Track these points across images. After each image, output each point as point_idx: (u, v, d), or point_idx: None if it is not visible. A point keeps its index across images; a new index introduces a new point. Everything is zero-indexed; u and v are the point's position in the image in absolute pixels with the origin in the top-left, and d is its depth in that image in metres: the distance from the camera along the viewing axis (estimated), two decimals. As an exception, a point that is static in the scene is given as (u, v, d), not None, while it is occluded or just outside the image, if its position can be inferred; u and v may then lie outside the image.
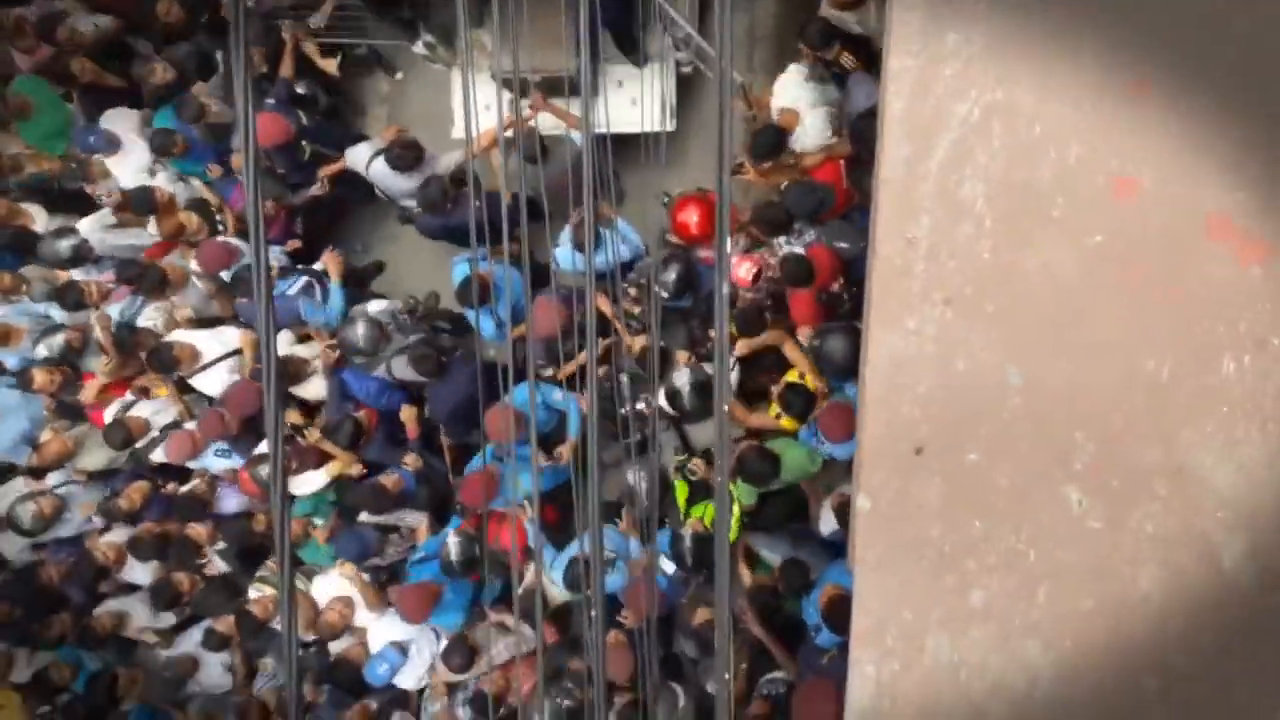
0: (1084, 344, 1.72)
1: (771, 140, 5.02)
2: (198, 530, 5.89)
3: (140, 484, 5.88)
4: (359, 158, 5.74)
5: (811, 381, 5.04)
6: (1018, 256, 1.78)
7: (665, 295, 5.22)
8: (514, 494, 5.08)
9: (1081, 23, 1.70)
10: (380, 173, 5.73)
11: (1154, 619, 1.57)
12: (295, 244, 5.98)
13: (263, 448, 5.69)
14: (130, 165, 6.03)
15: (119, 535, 6.00)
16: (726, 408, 2.06)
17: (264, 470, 5.49)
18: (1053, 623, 1.73)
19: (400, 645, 5.47)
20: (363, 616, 5.38)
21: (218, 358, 5.80)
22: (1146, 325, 1.64)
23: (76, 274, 6.07)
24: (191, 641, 5.96)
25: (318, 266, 5.94)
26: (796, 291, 5.17)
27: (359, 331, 5.48)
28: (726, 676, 2.09)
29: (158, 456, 6.02)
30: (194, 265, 5.99)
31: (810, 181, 5.11)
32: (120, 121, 6.03)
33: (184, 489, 5.82)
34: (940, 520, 1.83)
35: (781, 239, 5.38)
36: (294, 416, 5.86)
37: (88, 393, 6.01)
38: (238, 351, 5.87)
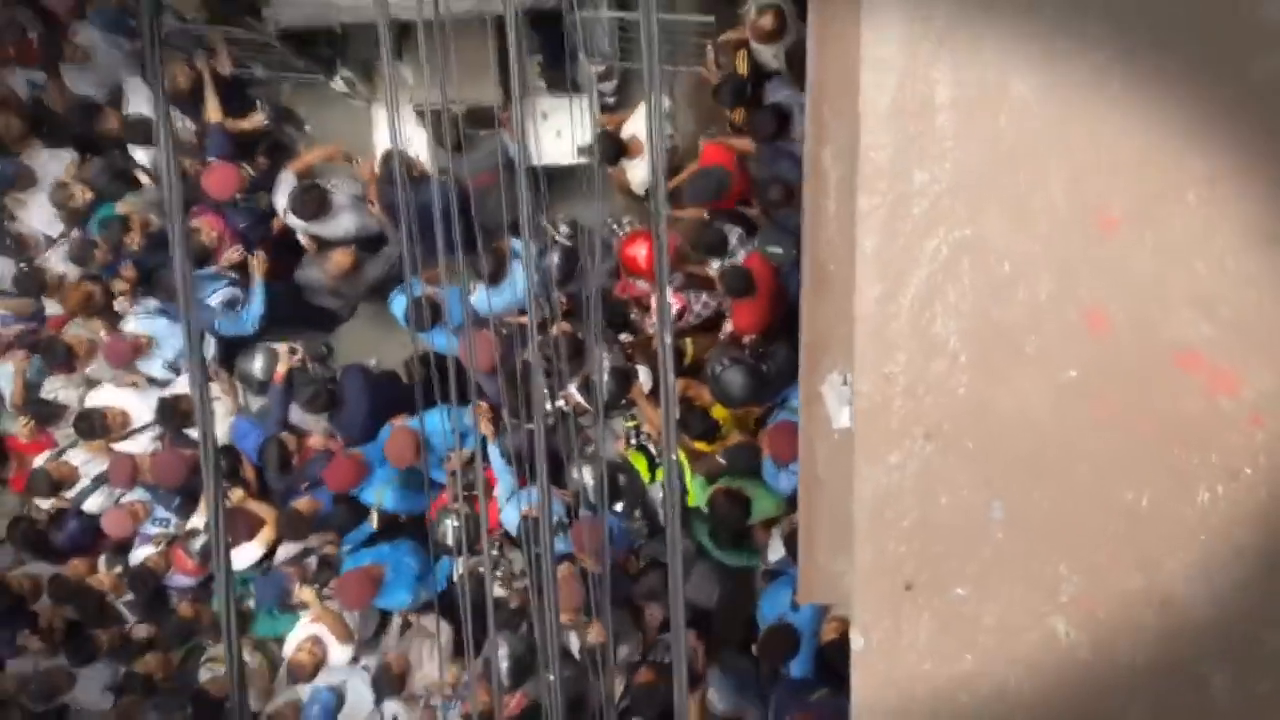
0: (1062, 477, 1.73)
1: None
2: (99, 579, 5.69)
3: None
4: (280, 209, 5.54)
5: (720, 413, 5.12)
6: (992, 392, 1.78)
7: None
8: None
9: (1048, 155, 1.70)
10: (301, 227, 5.55)
11: (1146, 750, 1.59)
12: (235, 255, 5.66)
13: (194, 521, 5.53)
14: (45, 210, 5.74)
15: (38, 568, 5.79)
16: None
17: (197, 545, 5.34)
18: (1047, 754, 1.75)
19: (332, 687, 5.36)
20: (336, 654, 5.21)
21: (144, 425, 5.59)
22: (1123, 457, 1.65)
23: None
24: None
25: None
26: (739, 303, 5.22)
27: (256, 364, 5.34)
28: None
29: (90, 506, 5.79)
30: (102, 334, 5.76)
31: (704, 169, 5.18)
32: (49, 167, 5.74)
33: (137, 560, 5.63)
34: (932, 656, 1.83)
35: (717, 262, 5.42)
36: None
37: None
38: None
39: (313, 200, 5.32)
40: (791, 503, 5.20)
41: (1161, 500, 1.61)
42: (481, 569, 4.78)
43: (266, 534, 5.46)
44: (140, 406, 5.63)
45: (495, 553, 5.19)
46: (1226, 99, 1.52)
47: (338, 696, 5.27)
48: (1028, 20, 1.67)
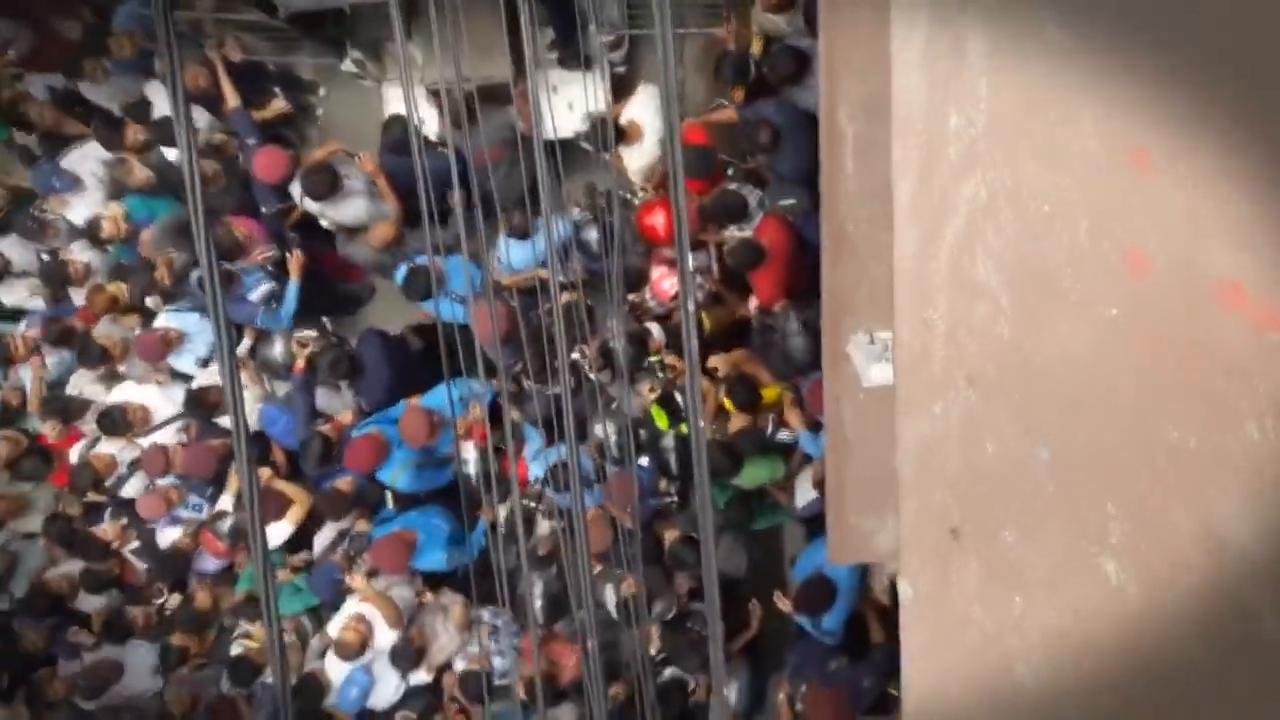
0: (1107, 418, 1.70)
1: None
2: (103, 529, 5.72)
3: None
4: (297, 196, 5.54)
5: (766, 382, 5.10)
6: (1035, 335, 1.76)
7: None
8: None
9: (1079, 92, 1.66)
10: (311, 206, 5.55)
11: (1202, 685, 1.58)
12: (266, 254, 5.69)
13: (223, 502, 5.57)
14: (86, 204, 5.75)
15: (71, 567, 5.86)
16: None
17: (225, 526, 5.38)
18: (1097, 695, 1.74)
19: (366, 668, 5.41)
20: (382, 635, 5.25)
21: (168, 419, 5.62)
22: (1168, 396, 1.63)
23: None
24: (120, 647, 5.81)
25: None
26: (757, 274, 5.20)
27: (277, 349, 5.38)
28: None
29: (128, 492, 5.84)
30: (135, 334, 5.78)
31: (694, 148, 5.15)
32: (82, 163, 5.74)
33: (166, 542, 5.68)
34: (980, 602, 1.82)
35: (733, 228, 5.40)
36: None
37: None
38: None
39: (323, 180, 5.34)
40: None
41: (1208, 438, 1.59)
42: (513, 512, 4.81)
43: (295, 512, 5.51)
44: (161, 402, 5.68)
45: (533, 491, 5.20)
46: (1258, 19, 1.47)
47: (371, 678, 5.32)
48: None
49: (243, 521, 5.33)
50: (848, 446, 4.03)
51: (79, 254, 5.82)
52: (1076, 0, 1.64)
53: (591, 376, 5.14)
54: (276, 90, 5.84)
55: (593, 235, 5.17)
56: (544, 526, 5.30)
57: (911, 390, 1.82)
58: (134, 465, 5.81)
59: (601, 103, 5.35)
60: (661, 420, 5.43)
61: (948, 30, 1.71)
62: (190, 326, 5.72)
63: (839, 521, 4.08)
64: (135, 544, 5.89)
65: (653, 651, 5.02)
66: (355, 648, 5.11)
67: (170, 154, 5.56)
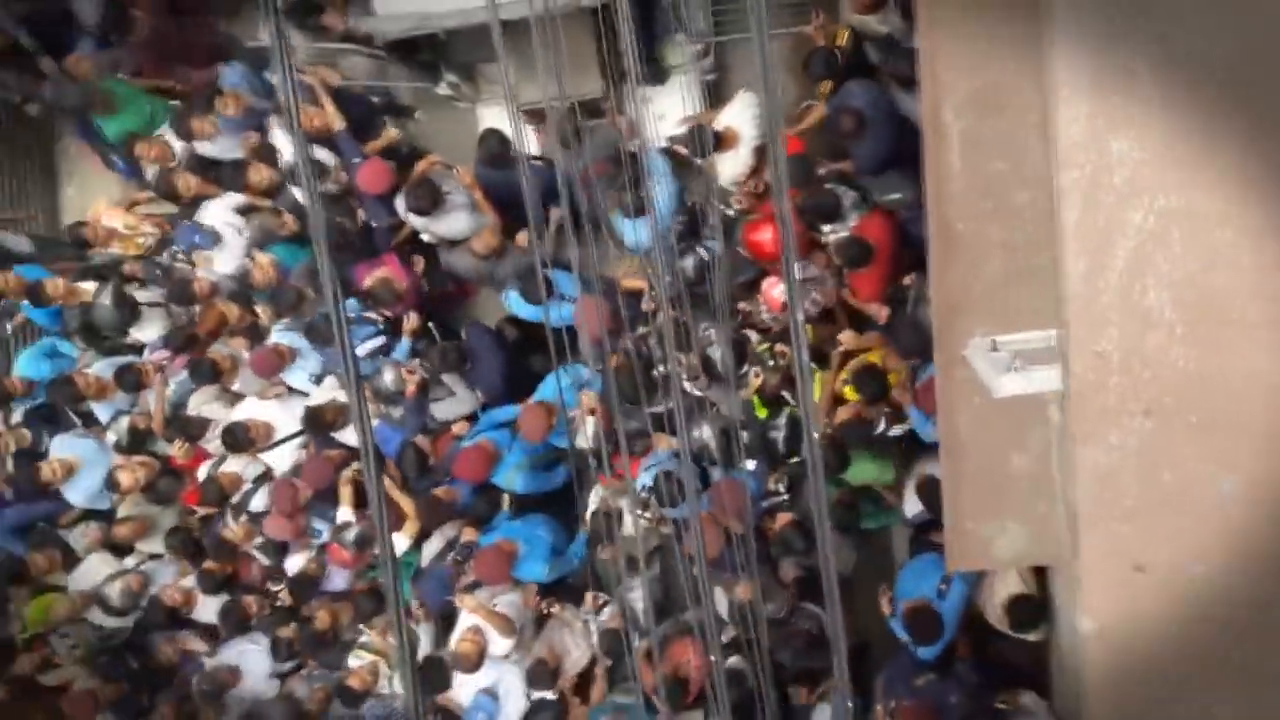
0: (1297, 445, 1.65)
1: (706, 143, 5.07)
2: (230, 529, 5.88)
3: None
4: (401, 212, 5.64)
5: (894, 367, 5.00)
6: (1218, 363, 1.70)
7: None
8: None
9: (1257, 115, 1.60)
10: (416, 222, 5.64)
11: None
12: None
13: (343, 514, 5.70)
14: (229, 256, 5.95)
15: (187, 580, 6.03)
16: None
17: (350, 536, 5.51)
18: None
19: (489, 691, 5.46)
20: (497, 645, 5.32)
21: (289, 435, 5.77)
22: (1363, 422, 1.56)
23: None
24: (235, 651, 5.95)
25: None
26: (857, 275, 5.12)
27: (388, 379, 5.48)
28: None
29: (255, 506, 6.01)
30: (244, 354, 5.95)
31: (790, 158, 5.08)
32: (215, 215, 5.95)
33: (295, 569, 5.84)
34: (1166, 637, 1.77)
35: (827, 228, 5.33)
36: (349, 472, 5.75)
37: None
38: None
39: (425, 194, 5.40)
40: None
41: None
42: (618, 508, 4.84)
43: (410, 527, 5.60)
44: (283, 418, 5.81)
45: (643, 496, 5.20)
46: None
47: (495, 699, 5.39)
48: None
49: (367, 530, 5.45)
50: (963, 450, 3.95)
51: (204, 274, 6.01)
52: (1249, 20, 1.58)
53: (689, 389, 5.14)
54: (385, 119, 5.95)
55: (689, 263, 5.14)
56: (631, 527, 5.29)
57: (1086, 421, 1.77)
58: (259, 480, 5.97)
59: (695, 110, 5.33)
60: (761, 411, 5.41)
61: (1113, 59, 1.66)
62: (301, 343, 5.88)
63: (957, 527, 4.01)
64: (259, 540, 6.03)
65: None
66: (474, 659, 5.18)
67: (297, 193, 5.73)
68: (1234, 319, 1.67)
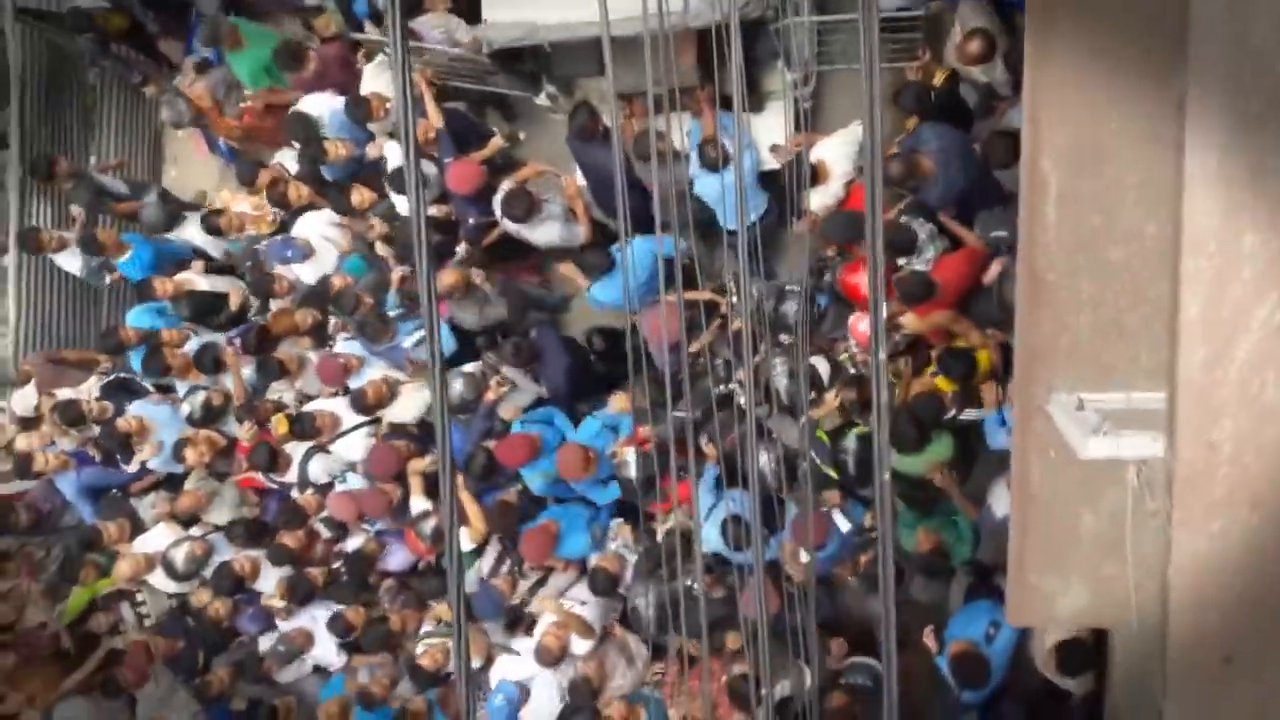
0: None
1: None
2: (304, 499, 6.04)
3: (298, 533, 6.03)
4: (497, 214, 5.76)
5: (978, 343, 4.95)
6: (1331, 464, 1.69)
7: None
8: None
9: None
10: (512, 228, 5.75)
11: None
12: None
13: (418, 504, 5.82)
14: (318, 267, 6.15)
15: (253, 551, 6.18)
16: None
17: (428, 527, 5.64)
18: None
19: (519, 683, 5.55)
20: (577, 644, 5.44)
21: (356, 424, 5.93)
22: None
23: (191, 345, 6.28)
24: (308, 616, 6.12)
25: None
26: (924, 306, 5.08)
27: (457, 389, 5.59)
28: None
29: (314, 472, 6.15)
30: (311, 356, 6.12)
31: (848, 213, 5.16)
32: (311, 226, 6.14)
33: (353, 547, 5.99)
34: (1256, 729, 1.76)
35: (902, 260, 5.31)
36: (421, 465, 5.87)
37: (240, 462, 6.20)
38: (376, 420, 5.93)
39: (520, 204, 5.55)
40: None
41: None
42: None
43: (474, 532, 5.71)
44: (349, 411, 5.98)
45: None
46: None
47: (522, 692, 5.48)
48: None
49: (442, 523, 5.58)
50: (1034, 503, 3.91)
51: (287, 272, 6.21)
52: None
53: (743, 405, 5.14)
54: (494, 130, 6.07)
55: (791, 308, 5.16)
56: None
57: (1190, 508, 1.77)
58: (310, 452, 6.09)
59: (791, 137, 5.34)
60: (824, 438, 5.40)
61: (1245, 149, 1.66)
62: (365, 351, 6.07)
63: (1020, 580, 3.97)
64: (325, 513, 6.19)
65: None
66: (555, 653, 5.30)
67: (400, 205, 5.88)
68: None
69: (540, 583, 5.90)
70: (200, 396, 6.07)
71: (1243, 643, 1.78)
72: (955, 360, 4.93)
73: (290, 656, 6.08)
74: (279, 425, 5.95)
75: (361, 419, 6.00)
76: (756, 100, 5.66)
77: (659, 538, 5.12)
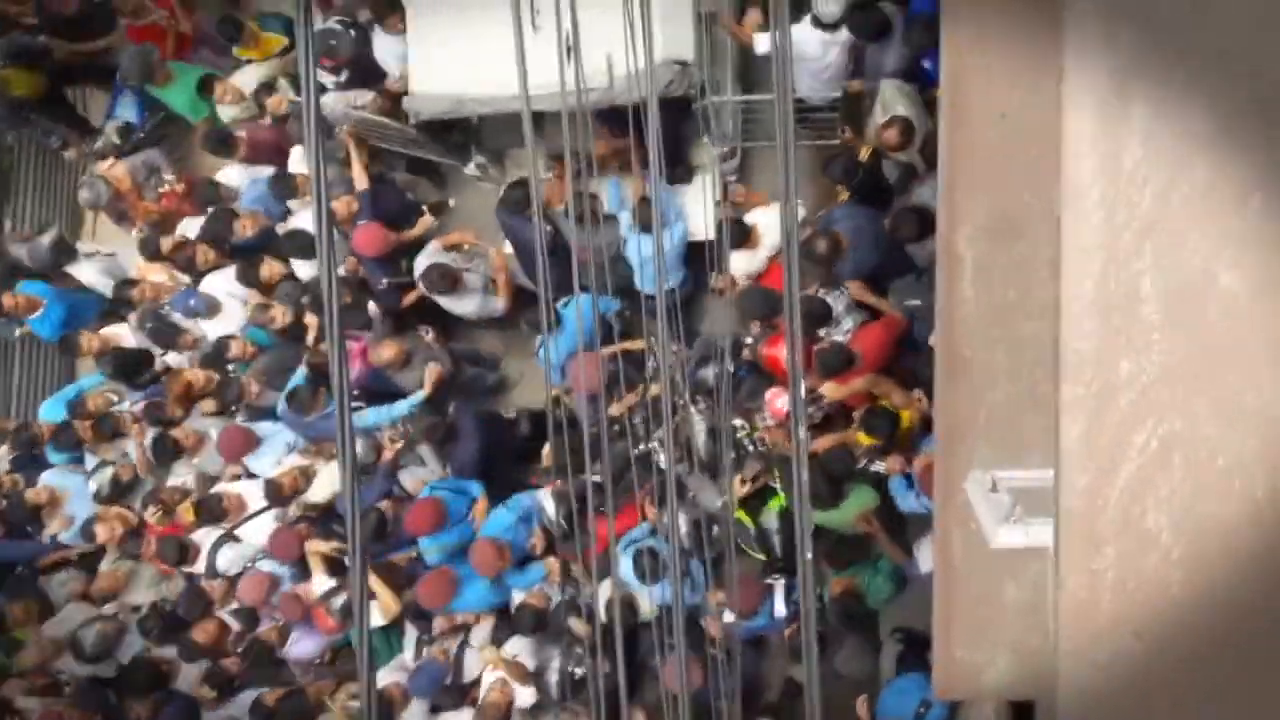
0: (1287, 683, 1.63)
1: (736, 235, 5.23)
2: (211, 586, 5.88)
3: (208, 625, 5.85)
4: (417, 275, 5.72)
5: (901, 404, 4.98)
6: (1209, 593, 1.70)
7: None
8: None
9: (1259, 351, 1.61)
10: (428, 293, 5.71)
11: None
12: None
13: (322, 582, 5.69)
14: (222, 325, 6.06)
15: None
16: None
17: (336, 603, 5.51)
18: None
19: None
20: (522, 695, 5.39)
21: (264, 508, 5.81)
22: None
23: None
24: (238, 706, 5.89)
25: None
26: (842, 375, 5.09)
27: (356, 451, 5.49)
28: None
29: (221, 564, 5.98)
30: (212, 432, 6.01)
31: (763, 289, 5.30)
32: (217, 285, 6.06)
33: (253, 633, 5.82)
34: None
35: (822, 331, 5.37)
36: (322, 546, 5.76)
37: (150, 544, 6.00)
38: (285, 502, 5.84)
39: (443, 280, 5.54)
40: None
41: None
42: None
43: (383, 609, 5.60)
44: (256, 492, 5.86)
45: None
46: None
47: None
48: (1237, 212, 1.60)
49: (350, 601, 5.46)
50: (957, 577, 3.93)
51: (193, 326, 6.10)
52: (1254, 252, 1.60)
53: (662, 465, 5.13)
54: (424, 209, 6.05)
55: (710, 372, 5.20)
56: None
57: (1076, 639, 1.77)
58: (220, 541, 5.93)
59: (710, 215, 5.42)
60: (745, 518, 5.38)
61: (1121, 275, 1.69)
62: (267, 431, 5.95)
63: (946, 654, 3.97)
64: (234, 605, 6.02)
65: None
66: (502, 708, 5.26)
67: (303, 271, 5.82)
68: (1226, 549, 1.67)
69: (463, 643, 5.78)
70: (108, 472, 5.91)
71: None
72: (878, 419, 4.95)
73: None
74: (185, 514, 5.80)
75: (264, 504, 5.87)
76: (684, 173, 5.72)
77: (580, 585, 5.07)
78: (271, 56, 6.17)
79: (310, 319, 5.92)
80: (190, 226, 6.23)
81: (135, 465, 6.11)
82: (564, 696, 5.10)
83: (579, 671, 5.15)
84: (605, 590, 4.67)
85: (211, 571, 5.89)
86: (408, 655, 5.74)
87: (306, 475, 5.70)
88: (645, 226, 5.20)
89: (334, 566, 5.62)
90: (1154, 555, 1.73)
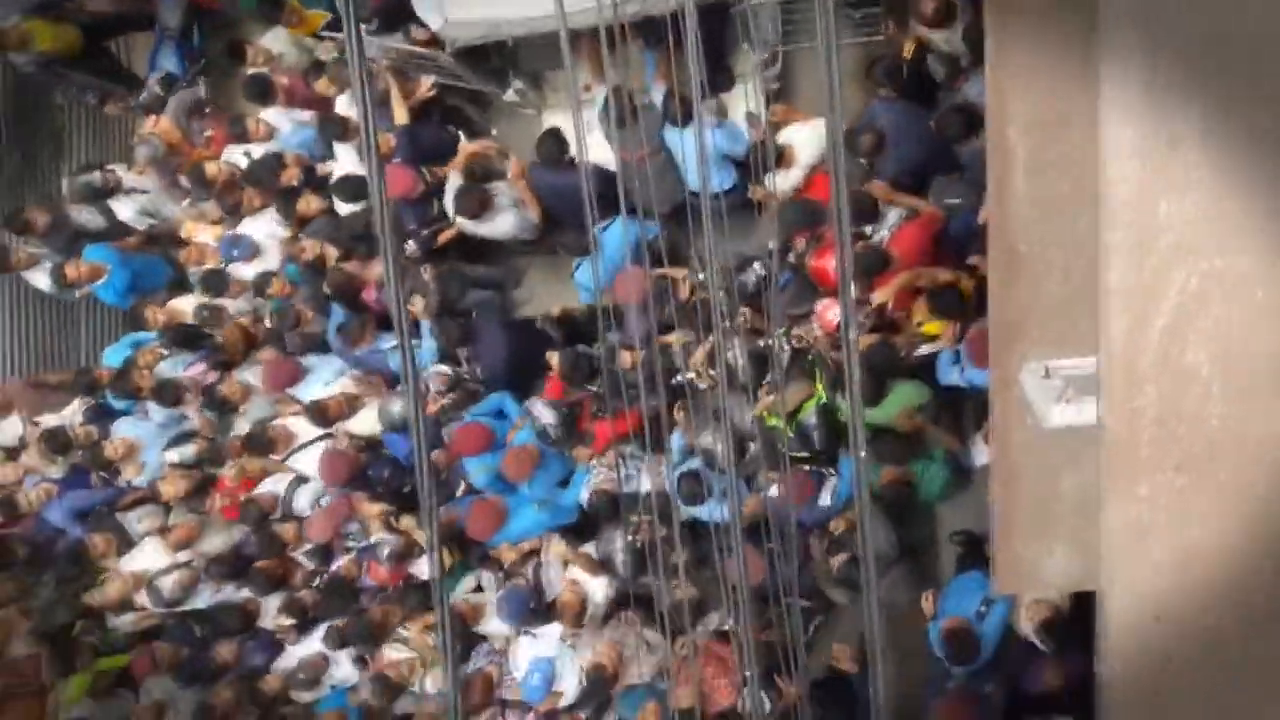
0: (1327, 507, 1.69)
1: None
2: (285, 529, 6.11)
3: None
4: (449, 210, 5.80)
5: (950, 279, 5.00)
6: (1248, 424, 1.75)
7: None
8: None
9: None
10: (467, 225, 5.79)
11: None
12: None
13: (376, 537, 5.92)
14: (263, 264, 6.22)
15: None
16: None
17: (383, 553, 5.74)
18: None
19: (550, 660, 5.65)
20: (595, 590, 5.53)
21: (314, 439, 5.99)
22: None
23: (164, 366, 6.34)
24: (317, 639, 6.18)
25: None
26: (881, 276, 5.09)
27: (395, 409, 5.65)
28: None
29: (300, 505, 6.23)
30: (253, 380, 6.18)
31: (802, 200, 5.23)
32: (259, 226, 6.20)
33: (331, 569, 6.06)
34: (1185, 686, 1.83)
35: (869, 228, 5.36)
36: (374, 509, 5.96)
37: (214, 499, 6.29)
38: (329, 435, 6.01)
39: (473, 200, 5.58)
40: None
41: None
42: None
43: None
44: (307, 426, 6.06)
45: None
46: None
47: (554, 669, 5.58)
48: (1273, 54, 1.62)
49: (399, 547, 5.76)
50: (1015, 472, 3.98)
51: (242, 272, 6.28)
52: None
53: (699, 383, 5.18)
54: (460, 135, 6.11)
55: (750, 278, 5.22)
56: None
57: (1118, 473, 1.83)
58: (294, 484, 6.18)
59: (761, 118, 5.37)
60: (772, 419, 5.42)
61: (1159, 121, 1.72)
62: (313, 364, 6.19)
63: (1006, 548, 4.04)
64: (308, 546, 6.26)
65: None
66: (576, 608, 5.38)
67: (343, 210, 5.94)
68: (1269, 379, 1.72)
69: (538, 565, 5.95)
70: (190, 448, 6.16)
71: (1170, 600, 1.85)
72: (944, 297, 4.91)
73: (311, 681, 6.16)
74: (250, 467, 6.11)
75: (320, 432, 6.06)
76: (725, 81, 5.68)
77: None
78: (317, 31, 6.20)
79: (329, 250, 6.05)
80: (235, 153, 6.32)
81: (201, 430, 6.32)
82: (635, 575, 5.20)
83: (639, 540, 5.26)
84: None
85: (289, 513, 6.14)
86: (492, 595, 5.92)
87: (352, 404, 5.87)
88: (672, 118, 5.17)
89: (389, 526, 5.85)
90: (1194, 391, 1.79)
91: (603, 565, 5.55)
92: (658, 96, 5.41)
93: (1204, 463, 1.79)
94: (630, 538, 5.28)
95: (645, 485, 5.14)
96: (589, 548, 5.70)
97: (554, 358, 5.60)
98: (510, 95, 6.10)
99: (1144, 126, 1.73)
